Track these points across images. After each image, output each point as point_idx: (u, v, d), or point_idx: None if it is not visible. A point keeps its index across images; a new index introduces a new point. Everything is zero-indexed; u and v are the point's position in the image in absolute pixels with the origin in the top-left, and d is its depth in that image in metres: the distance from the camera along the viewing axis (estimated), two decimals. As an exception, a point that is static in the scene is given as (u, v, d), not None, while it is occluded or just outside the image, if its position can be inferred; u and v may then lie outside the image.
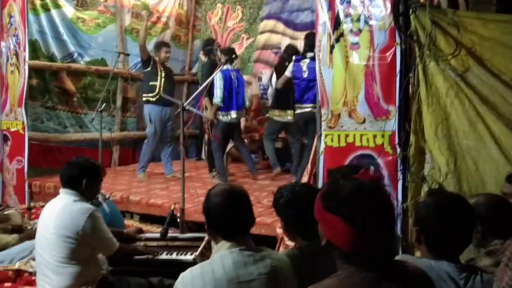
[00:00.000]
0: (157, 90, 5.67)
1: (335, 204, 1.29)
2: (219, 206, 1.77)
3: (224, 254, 1.71)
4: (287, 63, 5.55)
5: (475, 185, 2.91)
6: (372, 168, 3.21)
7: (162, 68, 5.77)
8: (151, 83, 5.71)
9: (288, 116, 5.56)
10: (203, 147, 7.59)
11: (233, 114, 5.57)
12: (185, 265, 1.80)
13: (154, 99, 5.70)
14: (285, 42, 7.00)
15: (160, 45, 6.01)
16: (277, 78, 5.68)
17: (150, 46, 6.89)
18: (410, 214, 2.94)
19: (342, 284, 1.26)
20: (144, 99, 5.83)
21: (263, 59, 7.24)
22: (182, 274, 1.70)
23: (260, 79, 7.22)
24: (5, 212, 3.82)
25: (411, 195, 3.08)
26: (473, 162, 2.95)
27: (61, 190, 2.73)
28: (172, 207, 3.22)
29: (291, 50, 5.72)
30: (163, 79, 5.72)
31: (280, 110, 5.62)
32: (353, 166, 2.63)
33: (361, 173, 1.40)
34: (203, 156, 7.57)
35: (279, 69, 5.68)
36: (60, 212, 2.61)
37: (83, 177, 2.69)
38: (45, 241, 2.60)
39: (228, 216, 1.75)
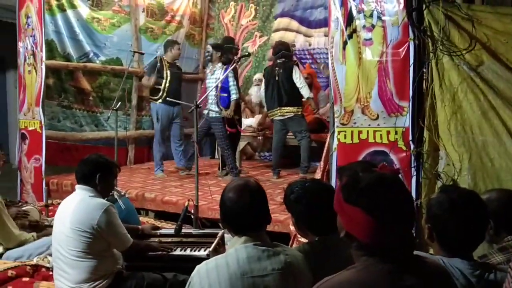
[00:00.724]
0: (160, 93, 5.78)
1: (355, 195, 1.29)
2: (232, 201, 1.78)
3: (238, 248, 1.72)
4: (278, 61, 5.50)
5: (491, 182, 2.88)
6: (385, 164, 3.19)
7: (168, 70, 5.85)
8: (156, 86, 5.82)
9: (277, 114, 5.53)
10: (216, 145, 7.65)
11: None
12: (199, 260, 1.82)
13: (160, 100, 5.81)
14: (299, 39, 7.02)
15: (171, 43, 6.08)
16: (265, 82, 5.65)
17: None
18: (423, 210, 2.92)
19: (359, 275, 1.27)
20: (150, 99, 5.98)
21: (277, 57, 7.23)
22: (197, 267, 1.72)
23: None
24: (23, 208, 3.88)
25: (425, 192, 3.07)
26: (488, 159, 2.92)
27: (77, 186, 2.78)
28: (186, 204, 3.25)
29: (279, 47, 5.64)
30: (167, 81, 5.80)
31: (269, 110, 5.64)
32: (365, 162, 2.62)
33: (380, 166, 1.40)
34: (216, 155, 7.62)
35: (270, 72, 5.63)
36: (76, 207, 2.66)
37: (96, 173, 2.74)
38: (61, 236, 2.65)
39: (241, 211, 1.76)
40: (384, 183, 1.29)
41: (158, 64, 5.83)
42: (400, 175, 1.49)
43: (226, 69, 5.38)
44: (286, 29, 7.17)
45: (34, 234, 3.56)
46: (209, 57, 5.70)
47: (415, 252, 1.54)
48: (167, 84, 5.77)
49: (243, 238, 1.74)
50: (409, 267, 1.28)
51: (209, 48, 5.76)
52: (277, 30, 7.28)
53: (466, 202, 1.66)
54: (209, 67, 5.75)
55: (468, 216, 1.64)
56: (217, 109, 5.51)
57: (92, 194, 2.72)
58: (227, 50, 5.91)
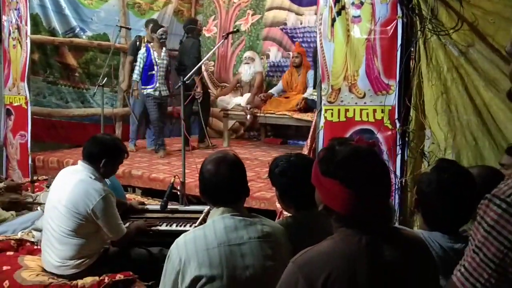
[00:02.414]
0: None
1: (333, 168, 1.30)
2: (211, 173, 1.80)
3: (216, 219, 1.75)
4: None
5: (474, 160, 2.91)
6: (362, 138, 3.21)
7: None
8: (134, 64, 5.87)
9: None
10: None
11: None
12: (185, 235, 1.84)
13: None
14: (290, 18, 6.99)
15: (149, 22, 6.08)
16: None
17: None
18: (408, 189, 2.96)
19: (338, 245, 1.29)
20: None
21: (271, 37, 7.21)
22: (176, 240, 1.74)
23: (268, 56, 7.21)
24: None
25: (411, 170, 3.09)
26: (472, 137, 2.94)
27: (80, 162, 2.72)
28: (172, 180, 3.25)
29: None
30: None
31: None
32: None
33: (357, 139, 1.41)
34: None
35: None
36: (75, 187, 2.61)
37: (103, 157, 2.67)
38: (55, 211, 2.63)
39: (219, 183, 1.78)
40: (360, 155, 1.31)
41: (138, 43, 5.87)
42: (375, 148, 1.50)
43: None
44: (279, 8, 7.11)
45: (13, 212, 3.54)
46: (164, 39, 5.68)
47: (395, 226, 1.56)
48: None
49: (221, 209, 1.77)
50: (387, 238, 1.31)
51: (163, 30, 5.73)
52: (270, 8, 7.21)
53: (455, 184, 1.66)
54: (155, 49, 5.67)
55: (454, 198, 1.65)
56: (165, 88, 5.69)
57: (93, 176, 2.66)
58: (191, 31, 6.11)
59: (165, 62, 5.66)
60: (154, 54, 5.59)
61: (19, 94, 5.38)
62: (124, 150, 2.84)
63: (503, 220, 1.18)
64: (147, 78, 5.61)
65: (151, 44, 5.65)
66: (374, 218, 1.30)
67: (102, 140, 2.74)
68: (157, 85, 5.62)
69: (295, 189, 1.90)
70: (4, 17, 5.57)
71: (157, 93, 5.63)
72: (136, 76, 5.60)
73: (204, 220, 2.93)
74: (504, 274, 1.18)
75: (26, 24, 5.24)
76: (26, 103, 5.29)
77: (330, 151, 1.34)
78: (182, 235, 1.74)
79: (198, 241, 1.68)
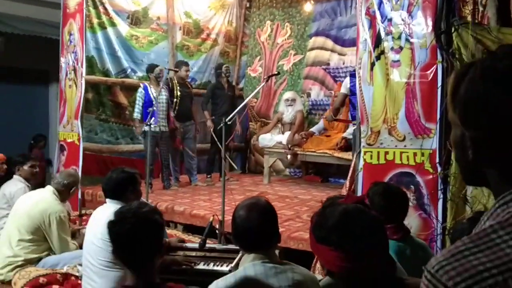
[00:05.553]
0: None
1: (325, 234, 1.34)
2: (242, 219, 1.84)
3: (247, 266, 1.77)
4: None
5: (521, 207, 2.81)
6: (412, 187, 3.17)
7: (178, 88, 6.11)
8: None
9: None
10: (246, 159, 7.82)
11: None
12: (221, 275, 1.88)
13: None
14: (333, 58, 7.09)
15: (179, 63, 6.35)
16: None
17: (199, 62, 7.28)
18: (448, 234, 2.88)
19: None
20: None
21: (312, 76, 7.32)
22: (215, 282, 1.78)
23: (309, 95, 7.30)
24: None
25: (452, 215, 3.01)
26: (518, 183, 2.85)
27: (108, 200, 2.89)
28: (211, 219, 3.31)
29: None
30: (178, 100, 6.11)
31: None
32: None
33: (346, 196, 1.44)
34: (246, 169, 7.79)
35: None
36: (107, 219, 2.76)
37: (128, 187, 2.88)
38: (92, 246, 2.76)
39: (249, 229, 1.81)
40: (349, 217, 1.33)
41: (170, 84, 6.15)
42: (365, 201, 1.51)
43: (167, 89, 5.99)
44: (322, 48, 7.24)
45: (76, 243, 3.72)
46: (160, 77, 5.91)
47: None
48: (178, 106, 6.08)
49: (252, 255, 1.79)
50: None
51: (159, 68, 5.96)
52: (312, 48, 7.35)
53: None
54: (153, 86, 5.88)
55: None
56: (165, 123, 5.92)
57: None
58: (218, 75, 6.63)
59: (164, 97, 5.85)
60: (152, 91, 5.79)
61: (72, 131, 5.70)
62: (137, 172, 3.06)
63: None
64: (147, 115, 5.76)
65: (148, 82, 5.86)
66: (375, 274, 1.31)
67: (117, 176, 2.94)
68: (158, 120, 5.78)
69: None
70: (62, 59, 5.98)
71: (157, 129, 5.78)
72: (137, 114, 5.79)
73: (237, 265, 2.97)
74: None
75: (81, 66, 5.61)
76: (79, 139, 5.59)
77: (320, 216, 1.38)
78: (215, 282, 1.78)
79: None
